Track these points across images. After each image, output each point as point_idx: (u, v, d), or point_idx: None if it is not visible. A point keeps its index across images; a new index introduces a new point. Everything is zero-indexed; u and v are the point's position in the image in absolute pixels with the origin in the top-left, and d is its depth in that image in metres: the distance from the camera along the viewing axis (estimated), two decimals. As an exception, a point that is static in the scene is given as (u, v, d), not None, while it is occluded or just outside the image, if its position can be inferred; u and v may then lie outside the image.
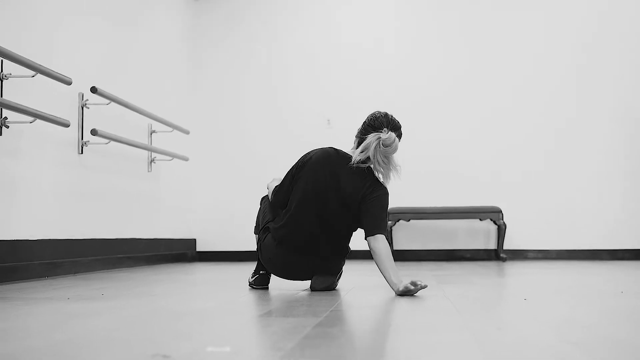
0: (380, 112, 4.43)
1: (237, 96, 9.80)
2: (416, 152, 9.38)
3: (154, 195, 8.29)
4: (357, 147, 4.39)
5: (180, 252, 9.09)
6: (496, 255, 9.14)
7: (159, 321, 3.01)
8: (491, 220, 8.98)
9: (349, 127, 9.41)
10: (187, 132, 8.76)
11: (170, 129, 8.26)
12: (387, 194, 4.43)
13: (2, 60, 5.17)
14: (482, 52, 9.53)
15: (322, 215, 4.31)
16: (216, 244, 9.63)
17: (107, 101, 6.63)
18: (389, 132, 4.29)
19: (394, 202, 9.13)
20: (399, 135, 4.45)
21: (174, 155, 8.26)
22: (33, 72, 5.42)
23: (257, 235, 4.63)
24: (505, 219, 9.06)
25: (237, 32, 9.93)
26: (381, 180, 4.44)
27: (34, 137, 5.66)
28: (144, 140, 7.89)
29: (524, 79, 9.42)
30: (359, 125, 4.47)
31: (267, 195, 4.63)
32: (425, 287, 3.97)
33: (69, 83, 5.89)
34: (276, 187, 4.48)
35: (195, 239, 9.64)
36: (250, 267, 6.71)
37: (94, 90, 6.30)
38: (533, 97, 9.38)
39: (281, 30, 9.90)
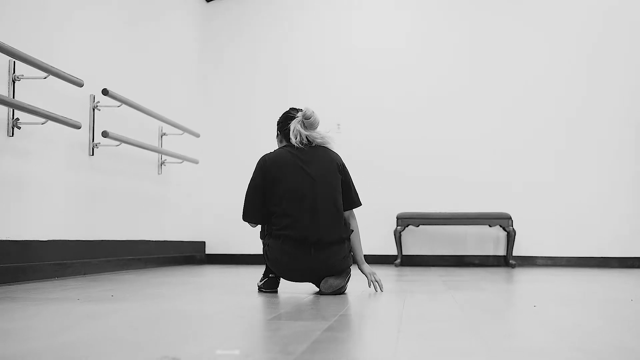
0: (283, 112, 4.79)
1: (248, 99, 9.81)
2: (426, 157, 9.39)
3: (164, 197, 8.30)
4: (288, 141, 4.67)
5: (190, 255, 9.09)
6: (505, 261, 9.12)
7: (168, 323, 3.01)
8: (500, 226, 8.96)
9: (358, 132, 9.48)
10: (197, 135, 8.77)
11: (181, 131, 8.27)
12: (341, 159, 4.73)
13: (14, 62, 5.19)
14: (490, 57, 9.51)
15: (311, 199, 4.44)
16: (225, 247, 9.63)
17: (118, 103, 6.64)
18: (305, 107, 4.60)
19: (403, 208, 9.18)
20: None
21: (184, 158, 8.27)
22: (45, 74, 5.44)
23: (262, 240, 4.65)
24: (514, 226, 9.04)
25: (248, 35, 9.94)
26: (330, 147, 4.68)
27: (45, 138, 5.68)
28: (155, 143, 7.91)
29: (533, 85, 9.40)
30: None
31: None
32: (381, 291, 4.53)
33: (80, 85, 5.91)
34: (244, 205, 4.58)
35: (204, 242, 9.65)
36: (259, 271, 6.71)
37: (105, 92, 6.31)
38: (542, 103, 9.36)
39: (292, 34, 9.90)
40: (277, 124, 4.78)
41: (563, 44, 9.41)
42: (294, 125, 4.56)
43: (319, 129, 4.63)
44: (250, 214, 4.55)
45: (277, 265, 4.50)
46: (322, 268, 4.45)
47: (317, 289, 4.71)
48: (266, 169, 4.52)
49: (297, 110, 4.68)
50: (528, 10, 9.53)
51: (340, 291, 4.47)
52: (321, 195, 4.47)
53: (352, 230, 4.68)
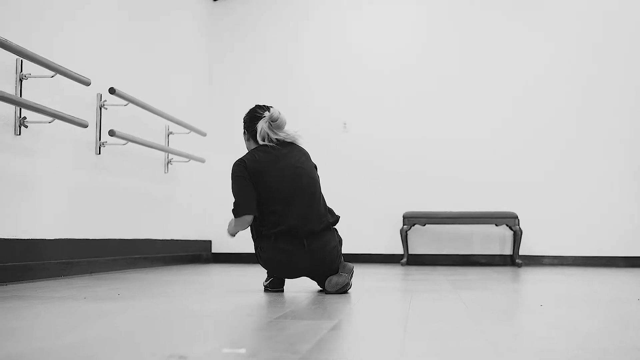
0: (248, 110, 4.81)
1: (253, 98, 9.79)
2: (432, 157, 9.39)
3: (171, 196, 8.31)
4: (255, 141, 4.68)
5: (196, 254, 9.10)
6: (512, 260, 9.11)
7: (174, 322, 3.01)
8: (507, 225, 8.95)
9: (364, 131, 9.48)
10: (204, 134, 8.78)
11: (188, 130, 8.28)
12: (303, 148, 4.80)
13: (21, 61, 5.20)
14: (494, 57, 9.50)
15: (295, 192, 4.48)
16: (231, 246, 9.63)
17: (125, 102, 6.65)
18: (271, 109, 4.62)
19: (409, 207, 9.18)
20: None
21: (190, 157, 8.28)
22: (52, 73, 5.45)
23: (255, 244, 4.64)
24: (521, 225, 9.02)
25: (254, 34, 9.95)
26: (298, 144, 4.77)
27: (52, 137, 5.69)
28: (161, 142, 7.92)
29: (536, 84, 9.39)
30: (243, 133, 4.81)
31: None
32: None
33: (87, 83, 5.92)
34: (236, 201, 4.52)
35: (210, 241, 9.66)
36: (263, 270, 6.71)
37: (112, 91, 6.32)
38: (546, 102, 9.34)
39: (297, 34, 9.91)
40: (244, 122, 4.78)
41: (566, 43, 9.39)
42: (261, 127, 4.59)
43: (286, 128, 4.67)
44: (245, 206, 4.46)
45: (272, 263, 4.53)
46: (318, 258, 4.47)
47: (322, 288, 4.71)
48: (247, 169, 4.49)
49: (264, 108, 4.69)
50: (534, 10, 9.52)
51: (345, 289, 4.47)
52: (304, 187, 4.51)
53: (338, 217, 4.70)
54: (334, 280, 4.45)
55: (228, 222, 4.71)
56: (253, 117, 4.70)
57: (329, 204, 4.77)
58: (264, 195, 4.47)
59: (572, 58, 9.37)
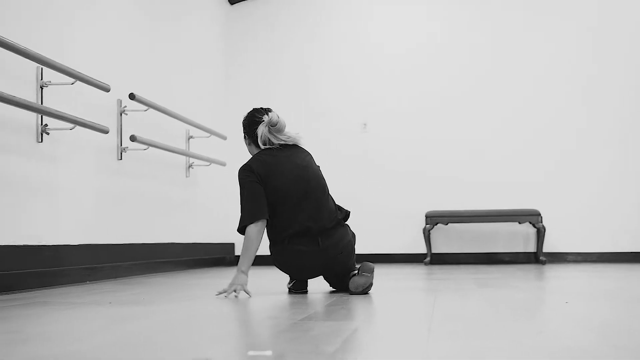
0: (246, 114, 4.75)
1: (271, 100, 9.81)
2: (453, 155, 9.37)
3: (192, 200, 8.33)
4: (257, 146, 4.64)
5: (219, 257, 9.12)
6: (535, 258, 9.07)
7: (199, 325, 3.02)
8: (530, 223, 8.91)
9: (384, 131, 9.48)
10: (224, 138, 8.80)
11: (208, 134, 8.30)
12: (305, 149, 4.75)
13: (42, 68, 5.23)
14: (513, 50, 9.46)
15: (303, 192, 4.46)
16: (262, 248, 9.62)
17: (145, 107, 6.68)
18: (270, 114, 4.55)
19: (431, 206, 9.15)
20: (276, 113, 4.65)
21: (211, 161, 8.30)
22: (72, 80, 5.47)
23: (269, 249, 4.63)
24: (544, 222, 8.98)
25: (270, 37, 9.97)
26: (300, 145, 4.71)
27: (73, 143, 5.72)
28: (182, 146, 7.94)
29: (559, 78, 9.34)
30: (243, 137, 4.78)
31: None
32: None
33: (107, 90, 5.94)
34: (245, 208, 4.46)
35: (233, 243, 9.67)
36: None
37: (132, 96, 6.35)
38: (569, 97, 9.30)
39: (313, 36, 9.91)
40: (243, 127, 4.73)
41: (587, 29, 9.34)
42: (261, 131, 4.55)
43: (286, 130, 4.60)
44: (256, 211, 4.38)
45: (290, 267, 4.55)
46: (334, 255, 4.46)
47: (334, 289, 4.72)
48: (255, 174, 4.46)
49: (262, 112, 4.65)
50: (543, 9, 9.48)
51: (368, 289, 4.46)
52: (312, 187, 4.50)
53: (348, 211, 4.69)
54: (357, 281, 4.44)
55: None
56: (252, 121, 4.65)
57: (351, 205, 4.78)
58: (272, 199, 4.43)
59: (596, 47, 9.31)
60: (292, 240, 4.43)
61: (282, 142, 4.57)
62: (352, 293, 4.45)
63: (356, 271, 4.54)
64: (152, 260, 7.12)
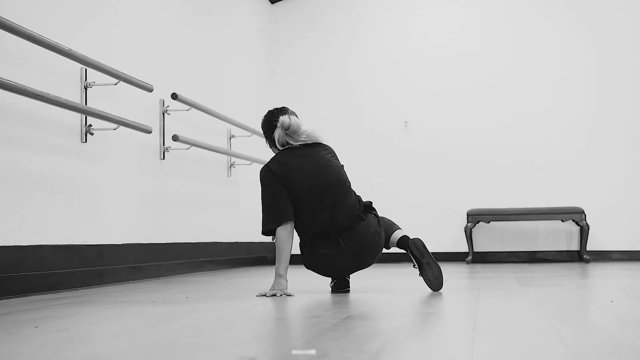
0: (264, 116, 4.75)
1: (314, 98, 9.84)
2: (496, 153, 9.32)
3: (234, 199, 8.37)
4: (277, 147, 4.63)
5: (261, 256, 9.15)
6: (579, 256, 8.98)
7: (243, 324, 3.04)
8: (573, 220, 8.83)
9: (424, 129, 9.44)
10: (265, 137, 8.81)
11: (249, 133, 8.33)
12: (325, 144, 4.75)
13: (86, 69, 5.29)
14: (563, 44, 9.38)
15: (322, 192, 4.44)
16: (296, 247, 9.64)
17: (187, 107, 6.72)
18: (280, 118, 4.54)
19: (473, 204, 9.11)
20: (292, 113, 4.71)
21: (253, 160, 8.32)
22: (116, 80, 5.52)
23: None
24: (588, 220, 8.88)
25: (313, 34, 9.99)
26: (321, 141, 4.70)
27: (117, 143, 5.78)
28: (224, 145, 7.98)
29: (605, 74, 9.24)
30: (265, 139, 4.78)
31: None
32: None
33: (150, 90, 5.99)
34: (267, 212, 4.50)
35: (274, 242, 9.68)
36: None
37: (174, 96, 6.39)
38: (614, 93, 9.20)
39: (357, 31, 9.91)
40: (262, 129, 4.75)
41: (625, 30, 9.24)
42: (278, 135, 4.54)
43: (304, 129, 4.60)
44: (281, 214, 4.41)
45: (319, 269, 4.57)
46: (360, 251, 4.44)
47: (390, 289, 4.71)
48: (276, 175, 4.47)
49: (278, 114, 4.65)
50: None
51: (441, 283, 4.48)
52: (329, 185, 4.47)
53: (369, 202, 4.63)
54: (430, 276, 4.44)
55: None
56: (270, 126, 4.65)
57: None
58: (293, 197, 4.44)
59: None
60: (314, 242, 4.46)
61: (302, 142, 4.56)
62: (435, 290, 4.46)
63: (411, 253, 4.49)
64: (194, 259, 7.17)
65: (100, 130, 5.44)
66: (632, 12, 9.26)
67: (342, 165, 4.67)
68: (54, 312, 3.51)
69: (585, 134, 9.21)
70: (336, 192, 4.47)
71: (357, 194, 4.63)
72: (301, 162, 4.48)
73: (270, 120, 4.65)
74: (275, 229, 4.45)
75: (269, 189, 4.47)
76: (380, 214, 4.66)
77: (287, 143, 4.55)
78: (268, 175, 4.48)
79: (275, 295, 4.34)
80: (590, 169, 9.17)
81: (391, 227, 4.65)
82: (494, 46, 9.55)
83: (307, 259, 4.55)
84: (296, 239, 4.54)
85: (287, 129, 4.51)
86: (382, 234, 4.55)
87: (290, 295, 4.35)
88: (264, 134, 4.74)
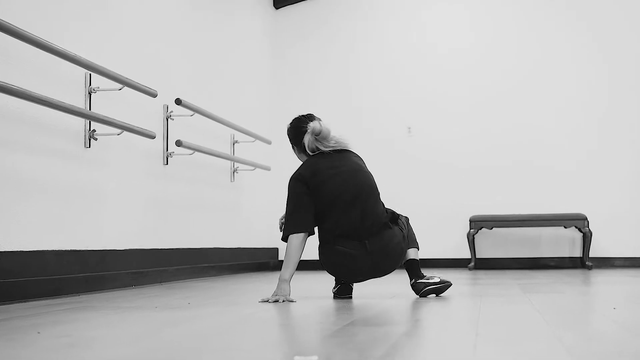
0: (290, 123, 4.78)
1: (317, 104, 9.84)
2: (498, 160, 9.32)
3: (237, 204, 8.38)
4: (305, 153, 4.66)
5: (263, 261, 9.16)
6: (582, 263, 8.97)
7: (246, 330, 3.03)
8: (576, 227, 8.82)
9: (430, 134, 9.44)
10: (268, 142, 8.83)
11: (253, 139, 8.34)
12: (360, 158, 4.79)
13: (90, 74, 5.30)
14: (566, 52, 9.38)
15: (353, 195, 4.45)
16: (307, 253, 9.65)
17: (191, 112, 6.73)
18: (311, 124, 4.57)
19: (476, 211, 9.10)
20: (318, 119, 4.72)
21: (256, 165, 8.33)
22: (120, 85, 5.53)
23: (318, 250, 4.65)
24: (590, 226, 8.87)
25: (317, 39, 9.99)
26: (349, 149, 4.72)
27: (120, 148, 5.78)
28: (227, 151, 7.99)
29: (609, 82, 9.24)
30: (290, 146, 4.80)
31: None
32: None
33: (154, 95, 6.00)
34: (288, 219, 4.49)
35: (277, 248, 9.70)
36: (331, 277, 6.73)
37: (178, 101, 6.40)
38: (617, 99, 9.19)
39: (358, 38, 9.92)
40: (289, 137, 4.75)
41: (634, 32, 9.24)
42: (308, 141, 4.56)
43: (332, 134, 4.63)
44: (300, 223, 4.43)
45: (337, 268, 4.53)
46: (381, 258, 4.45)
47: (393, 295, 4.71)
48: (304, 180, 4.48)
49: (306, 120, 4.67)
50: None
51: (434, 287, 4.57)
52: (364, 190, 4.49)
53: (396, 213, 4.67)
54: (425, 289, 4.54)
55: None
56: (298, 132, 4.66)
57: (394, 208, 4.75)
58: (325, 201, 4.44)
59: None
60: (339, 241, 4.42)
61: (331, 148, 4.58)
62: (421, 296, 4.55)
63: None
64: (197, 264, 7.17)
65: (104, 135, 5.44)
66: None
67: (370, 173, 4.69)
68: (56, 318, 3.51)
69: (589, 141, 9.20)
70: (367, 198, 4.48)
71: (384, 204, 4.65)
72: (333, 166, 4.50)
73: (299, 127, 4.67)
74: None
75: (293, 198, 4.48)
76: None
77: (317, 149, 4.58)
78: (297, 184, 4.49)
79: (277, 301, 4.33)
80: (594, 175, 9.16)
81: (412, 242, 4.69)
82: (500, 53, 9.55)
83: (327, 255, 4.50)
84: (309, 244, 4.54)
85: (317, 134, 4.54)
86: (405, 248, 4.57)
87: (292, 302, 4.35)
88: (290, 140, 4.75)
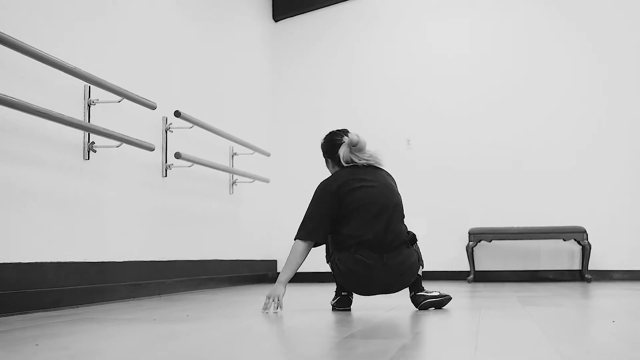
0: (325, 137, 4.88)
1: (317, 116, 9.85)
2: (497, 172, 9.33)
3: (236, 217, 8.37)
4: (339, 166, 4.73)
5: (262, 274, 9.15)
6: (580, 276, 8.96)
7: (243, 343, 3.03)
8: (575, 240, 8.82)
9: (429, 146, 9.44)
10: (267, 154, 8.84)
11: (252, 151, 8.34)
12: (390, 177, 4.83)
13: (89, 87, 5.30)
14: (562, 61, 9.40)
15: (379, 206, 4.49)
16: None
17: (190, 125, 6.73)
18: (349, 135, 4.65)
19: (475, 223, 9.10)
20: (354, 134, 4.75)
21: (255, 177, 8.33)
22: (119, 97, 5.53)
23: (329, 264, 4.66)
24: (590, 239, 8.87)
25: (316, 52, 10.01)
26: (381, 166, 4.78)
27: (119, 160, 5.78)
28: (226, 163, 7.99)
29: (606, 93, 9.25)
30: (323, 161, 4.90)
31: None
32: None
33: (153, 107, 6.00)
34: (307, 224, 4.57)
35: (276, 260, 9.69)
36: (330, 289, 6.72)
37: (177, 114, 6.41)
38: (613, 110, 9.20)
39: (358, 50, 9.94)
40: (323, 151, 4.82)
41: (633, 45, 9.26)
42: (343, 152, 4.63)
43: (367, 148, 4.70)
44: (312, 232, 4.52)
45: (350, 276, 4.52)
46: (396, 274, 4.47)
47: (392, 308, 4.70)
48: (332, 189, 4.54)
49: (341, 134, 4.73)
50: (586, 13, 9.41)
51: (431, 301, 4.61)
52: (389, 205, 4.52)
53: (414, 234, 4.67)
54: (424, 302, 4.59)
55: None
56: (333, 145, 4.73)
57: None
58: (349, 207, 4.49)
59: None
60: (358, 249, 4.43)
61: (365, 161, 4.64)
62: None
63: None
64: (196, 277, 7.17)
65: (103, 148, 5.45)
66: (637, 27, 9.29)
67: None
68: (55, 330, 3.50)
69: (589, 154, 9.21)
70: (392, 215, 4.52)
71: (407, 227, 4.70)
72: (365, 179, 4.58)
73: (333, 140, 4.76)
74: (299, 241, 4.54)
75: (315, 204, 4.59)
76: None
77: (352, 161, 4.65)
78: (323, 191, 4.60)
79: (275, 302, 4.42)
80: (593, 188, 9.16)
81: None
82: (498, 64, 9.57)
83: (343, 262, 4.49)
84: (312, 256, 4.61)
85: (354, 145, 4.61)
86: (416, 269, 4.60)
87: (280, 307, 4.44)
88: (324, 154, 4.84)
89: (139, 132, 5.99)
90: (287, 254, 4.56)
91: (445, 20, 9.82)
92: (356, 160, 4.63)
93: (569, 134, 9.28)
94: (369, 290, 4.61)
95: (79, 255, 5.21)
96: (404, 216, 4.66)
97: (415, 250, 4.60)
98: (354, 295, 4.79)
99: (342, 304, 4.67)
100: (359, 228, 4.45)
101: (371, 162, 4.67)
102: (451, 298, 4.70)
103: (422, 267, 4.69)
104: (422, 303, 4.57)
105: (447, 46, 9.76)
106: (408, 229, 4.65)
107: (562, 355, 2.48)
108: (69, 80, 5.07)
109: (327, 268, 4.44)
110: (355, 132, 4.72)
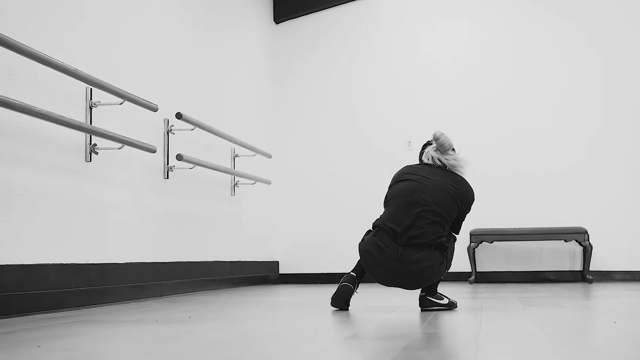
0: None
1: (317, 119, 9.86)
2: (498, 173, 9.31)
3: (238, 218, 8.38)
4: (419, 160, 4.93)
5: (263, 275, 9.15)
6: (582, 277, 8.96)
7: (245, 344, 3.04)
8: (576, 241, 8.82)
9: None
10: (269, 156, 8.84)
11: (253, 153, 8.35)
12: (467, 185, 4.87)
13: (91, 89, 5.31)
14: (567, 63, 9.40)
15: (414, 201, 4.57)
16: (298, 267, 9.66)
17: (192, 127, 6.74)
18: (436, 132, 4.75)
19: (476, 224, 9.10)
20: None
21: (256, 179, 8.34)
22: (121, 100, 5.54)
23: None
24: (591, 240, 8.87)
25: (317, 54, 10.01)
26: (460, 172, 4.86)
27: (121, 162, 5.79)
28: (227, 165, 7.99)
29: (605, 96, 9.25)
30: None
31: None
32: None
33: (155, 109, 6.01)
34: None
35: (277, 262, 9.70)
36: (332, 290, 6.72)
37: (179, 116, 6.41)
38: (615, 112, 9.20)
39: (359, 52, 9.93)
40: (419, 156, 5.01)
41: (628, 53, 9.26)
42: (428, 149, 4.80)
43: (452, 150, 4.82)
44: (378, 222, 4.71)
45: (365, 256, 4.62)
46: (406, 271, 4.48)
47: (393, 309, 4.71)
48: (394, 178, 4.80)
49: (427, 144, 4.92)
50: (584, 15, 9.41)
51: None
52: (424, 200, 4.56)
53: (443, 242, 4.63)
54: (429, 307, 4.67)
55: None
56: (425, 145, 4.95)
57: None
58: (391, 195, 4.71)
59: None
60: (381, 234, 4.55)
61: (446, 161, 4.74)
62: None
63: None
64: (197, 278, 7.17)
65: (105, 150, 5.46)
66: (637, 29, 9.29)
67: (459, 207, 4.73)
68: (57, 331, 3.51)
69: (589, 155, 9.20)
70: (425, 214, 4.55)
71: (453, 235, 4.84)
72: (420, 175, 4.70)
73: (428, 142, 4.91)
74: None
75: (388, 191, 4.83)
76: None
77: (432, 158, 4.78)
78: (392, 180, 4.84)
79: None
80: (594, 189, 9.16)
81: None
82: (497, 67, 9.57)
83: (365, 241, 4.66)
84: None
85: (437, 139, 4.72)
86: (435, 274, 4.60)
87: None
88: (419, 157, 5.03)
89: (140, 134, 6.00)
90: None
91: (445, 23, 9.82)
92: (443, 160, 4.74)
93: (570, 135, 9.27)
94: (378, 276, 4.64)
95: (81, 256, 5.21)
96: (448, 222, 4.64)
97: (442, 255, 4.60)
98: (357, 295, 4.80)
99: (337, 302, 4.70)
100: (389, 215, 4.59)
101: (450, 162, 4.75)
102: (457, 306, 4.75)
103: (445, 272, 4.73)
104: (427, 308, 4.62)
105: (447, 49, 9.76)
106: (449, 237, 4.71)
107: (563, 357, 2.48)
108: (71, 82, 5.08)
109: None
110: (441, 130, 4.80)
